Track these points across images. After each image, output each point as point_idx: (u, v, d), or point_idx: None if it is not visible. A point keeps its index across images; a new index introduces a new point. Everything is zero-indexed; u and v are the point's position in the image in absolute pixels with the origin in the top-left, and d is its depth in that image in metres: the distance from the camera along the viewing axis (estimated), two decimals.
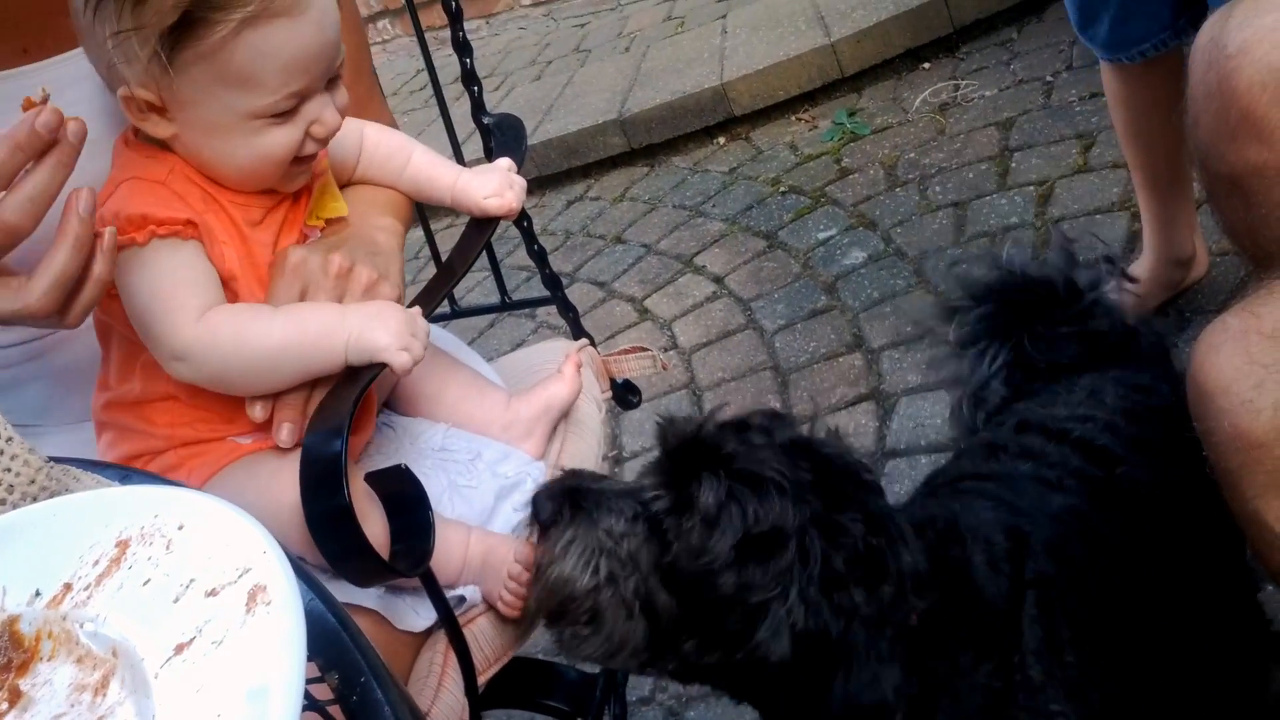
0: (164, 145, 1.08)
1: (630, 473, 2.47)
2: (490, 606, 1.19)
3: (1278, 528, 0.81)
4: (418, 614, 1.13)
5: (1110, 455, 1.18)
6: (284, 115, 1.06)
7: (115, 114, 1.11)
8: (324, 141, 1.12)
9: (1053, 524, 1.09)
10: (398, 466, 1.10)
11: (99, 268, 0.94)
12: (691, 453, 0.97)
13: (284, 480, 1.02)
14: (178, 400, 1.11)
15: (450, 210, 1.41)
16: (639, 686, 1.93)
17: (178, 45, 0.99)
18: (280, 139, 1.07)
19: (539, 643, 2.08)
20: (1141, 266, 2.17)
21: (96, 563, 0.65)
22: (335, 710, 0.56)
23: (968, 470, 1.23)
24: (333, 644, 0.58)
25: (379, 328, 1.05)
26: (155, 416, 1.13)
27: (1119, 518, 1.13)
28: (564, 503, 0.98)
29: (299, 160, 1.11)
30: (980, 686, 0.98)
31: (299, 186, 1.16)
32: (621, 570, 0.95)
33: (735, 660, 0.94)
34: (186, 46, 0.99)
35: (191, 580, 0.60)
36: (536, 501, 1.00)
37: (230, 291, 1.09)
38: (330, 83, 1.10)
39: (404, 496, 1.07)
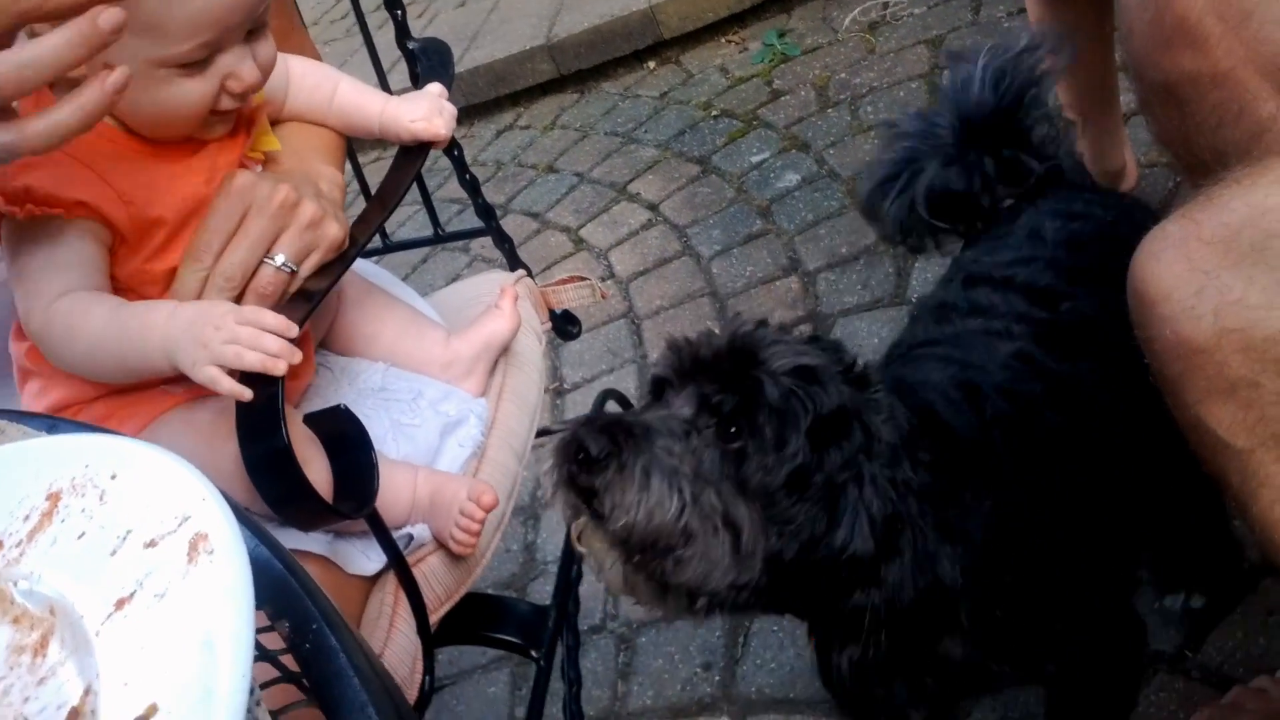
0: None
1: (572, 404, 2.46)
2: (441, 545, 1.18)
3: (1219, 432, 0.83)
4: (367, 557, 1.12)
5: (1054, 293, 1.20)
6: (194, 66, 1.02)
7: None
8: (241, 97, 1.06)
9: (1003, 370, 1.12)
10: (337, 407, 1.08)
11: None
12: (728, 359, 0.95)
13: (223, 428, 0.99)
14: None
15: (378, 143, 1.37)
16: (590, 615, 1.95)
17: None
18: (191, 90, 1.03)
19: (488, 577, 2.09)
20: None
21: (27, 517, 0.62)
22: (287, 659, 0.54)
23: (920, 337, 1.25)
24: (281, 591, 0.56)
25: (189, 341, 0.97)
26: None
27: (1066, 351, 1.15)
28: (613, 434, 0.91)
29: (215, 112, 1.06)
30: (984, 523, 1.00)
31: (219, 135, 1.11)
32: (698, 486, 0.90)
33: (814, 559, 0.93)
34: None
35: (129, 531, 0.57)
36: (581, 438, 0.90)
37: (155, 239, 1.05)
38: (251, 33, 1.05)
39: (345, 437, 1.05)
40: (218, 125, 1.10)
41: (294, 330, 0.99)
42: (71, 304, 1.01)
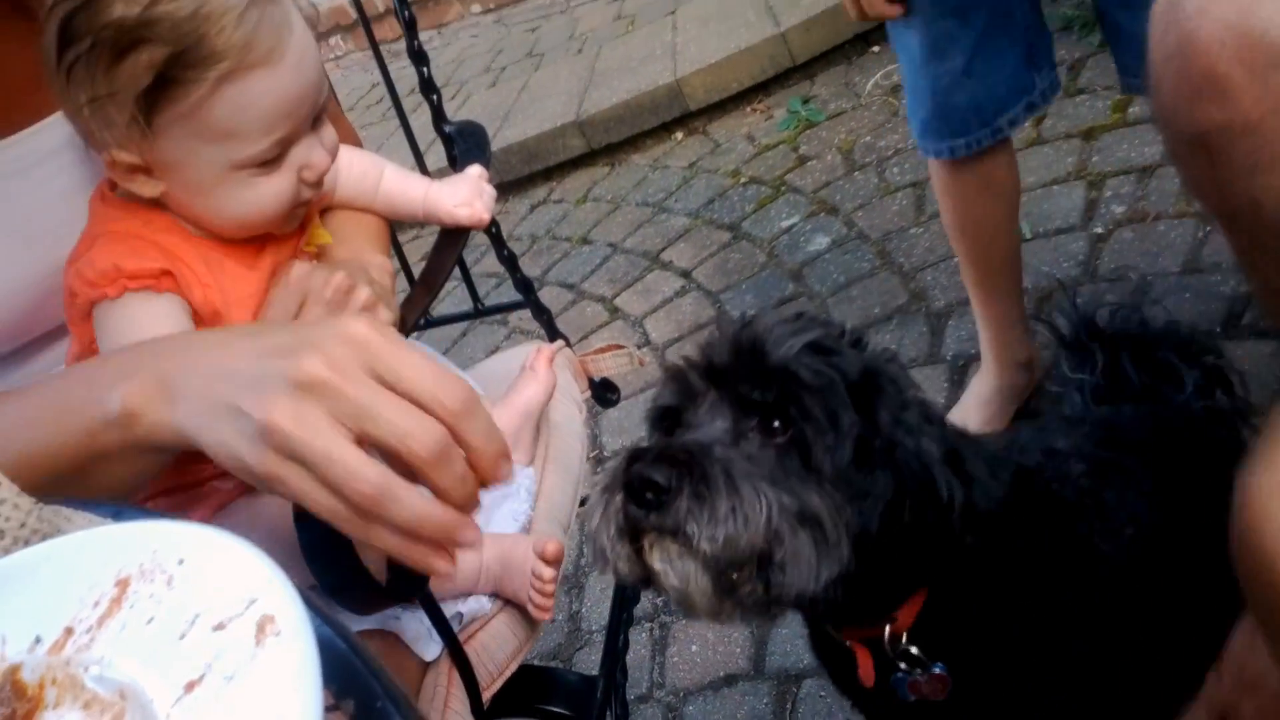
0: (145, 201, 1.06)
1: None
2: (500, 611, 1.19)
3: None
4: (432, 637, 1.12)
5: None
6: (271, 163, 1.04)
7: (95, 180, 1.09)
8: (317, 185, 1.09)
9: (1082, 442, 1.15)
10: None
11: None
12: (742, 360, 0.92)
13: (284, 520, 1.00)
14: None
15: (414, 223, 1.41)
16: (636, 684, 1.94)
17: (155, 107, 0.97)
18: (272, 188, 1.06)
19: (534, 648, 2.08)
20: (985, 384, 2.06)
21: (97, 604, 0.64)
22: None
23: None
24: (345, 670, 0.57)
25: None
26: None
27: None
28: (672, 461, 0.86)
29: (295, 205, 1.09)
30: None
31: (295, 227, 1.15)
32: (772, 489, 0.86)
33: (903, 524, 0.90)
34: (164, 108, 0.97)
35: (197, 615, 0.59)
36: (641, 478, 0.85)
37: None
38: (315, 122, 1.07)
39: None
40: (296, 218, 1.13)
41: None
42: None
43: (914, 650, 1.01)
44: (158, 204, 1.06)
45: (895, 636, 1.02)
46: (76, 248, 1.06)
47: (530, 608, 1.18)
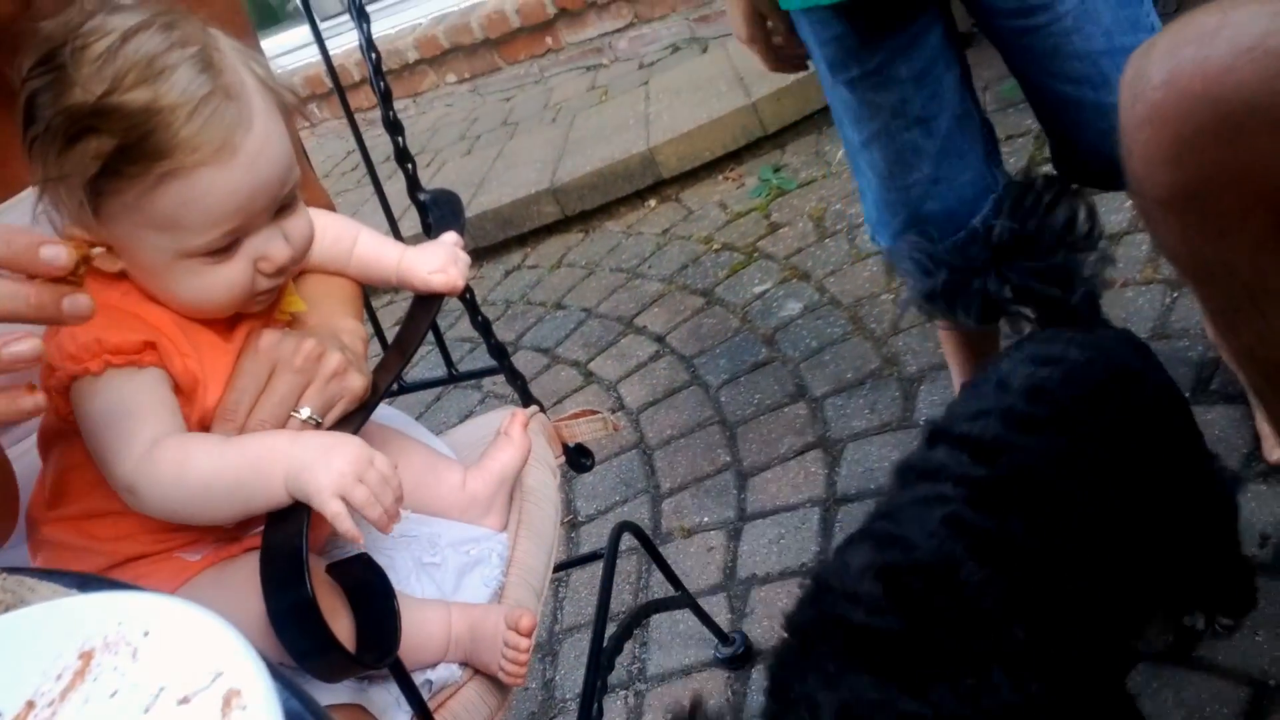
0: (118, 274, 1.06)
1: (587, 536, 2.46)
2: (471, 680, 1.18)
3: None
4: (399, 706, 1.11)
5: (998, 446, 1.21)
6: (221, 253, 1.03)
7: None
8: (276, 275, 1.08)
9: (928, 539, 1.13)
10: (360, 555, 1.09)
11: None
12: None
13: (252, 590, 0.99)
14: (124, 514, 1.07)
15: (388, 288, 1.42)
16: None
17: (100, 194, 0.97)
18: (224, 277, 1.04)
19: (509, 718, 2.05)
20: None
21: (59, 676, 0.63)
22: None
23: (881, 508, 1.26)
24: None
25: (321, 466, 0.99)
26: (98, 530, 1.09)
27: (995, 508, 1.16)
28: None
29: (254, 294, 1.08)
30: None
31: (261, 309, 1.14)
32: None
33: None
34: (109, 196, 0.97)
35: (161, 688, 0.58)
36: None
37: (198, 398, 1.07)
38: (281, 210, 1.06)
39: (368, 586, 1.06)
40: (263, 301, 1.12)
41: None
42: (172, 445, 1.01)
43: None
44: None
45: None
46: None
47: (501, 675, 1.17)
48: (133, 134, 0.94)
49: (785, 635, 1.07)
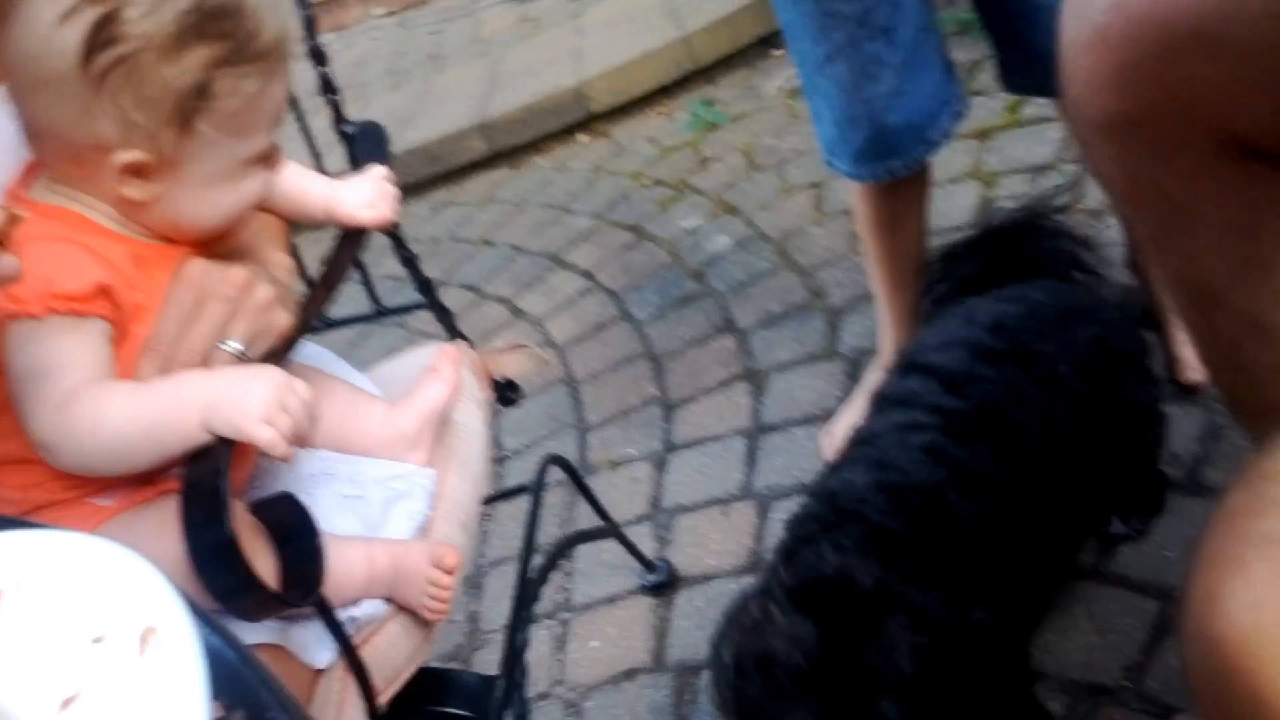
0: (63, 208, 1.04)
1: (513, 471, 2.47)
2: (395, 615, 1.19)
3: None
4: (322, 645, 1.12)
5: (966, 378, 1.33)
6: (260, 160, 1.08)
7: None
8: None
9: (916, 465, 1.25)
10: (283, 494, 1.08)
11: None
12: None
13: (169, 529, 0.98)
14: (34, 462, 1.05)
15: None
16: (537, 682, 1.94)
17: (202, 102, 0.98)
18: (260, 181, 1.09)
19: (434, 652, 2.07)
20: (877, 379, 2.09)
21: None
22: None
23: (861, 434, 1.38)
24: (234, 680, 0.57)
25: (243, 396, 0.99)
26: (9, 478, 1.07)
27: (968, 438, 1.28)
28: None
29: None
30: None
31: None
32: None
33: None
34: (210, 103, 0.98)
35: (75, 628, 0.58)
36: None
37: (132, 331, 1.05)
38: None
39: (290, 525, 1.06)
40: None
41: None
42: (87, 397, 0.99)
43: None
44: (73, 210, 1.04)
45: None
46: None
47: (424, 612, 1.18)
48: (241, 33, 0.97)
49: (801, 523, 1.17)
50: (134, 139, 0.98)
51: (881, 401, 1.41)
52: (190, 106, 0.98)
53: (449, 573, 1.18)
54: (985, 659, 1.20)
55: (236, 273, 1.10)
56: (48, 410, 0.98)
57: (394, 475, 1.30)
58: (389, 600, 1.20)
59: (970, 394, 1.32)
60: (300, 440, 1.02)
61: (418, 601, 1.18)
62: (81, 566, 0.60)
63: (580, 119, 3.72)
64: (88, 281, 0.99)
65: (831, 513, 1.18)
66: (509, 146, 3.78)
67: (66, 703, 0.54)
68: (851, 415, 2.10)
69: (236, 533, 0.93)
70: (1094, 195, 2.37)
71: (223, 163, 1.04)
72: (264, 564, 1.02)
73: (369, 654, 1.15)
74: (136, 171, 1.00)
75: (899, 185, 1.88)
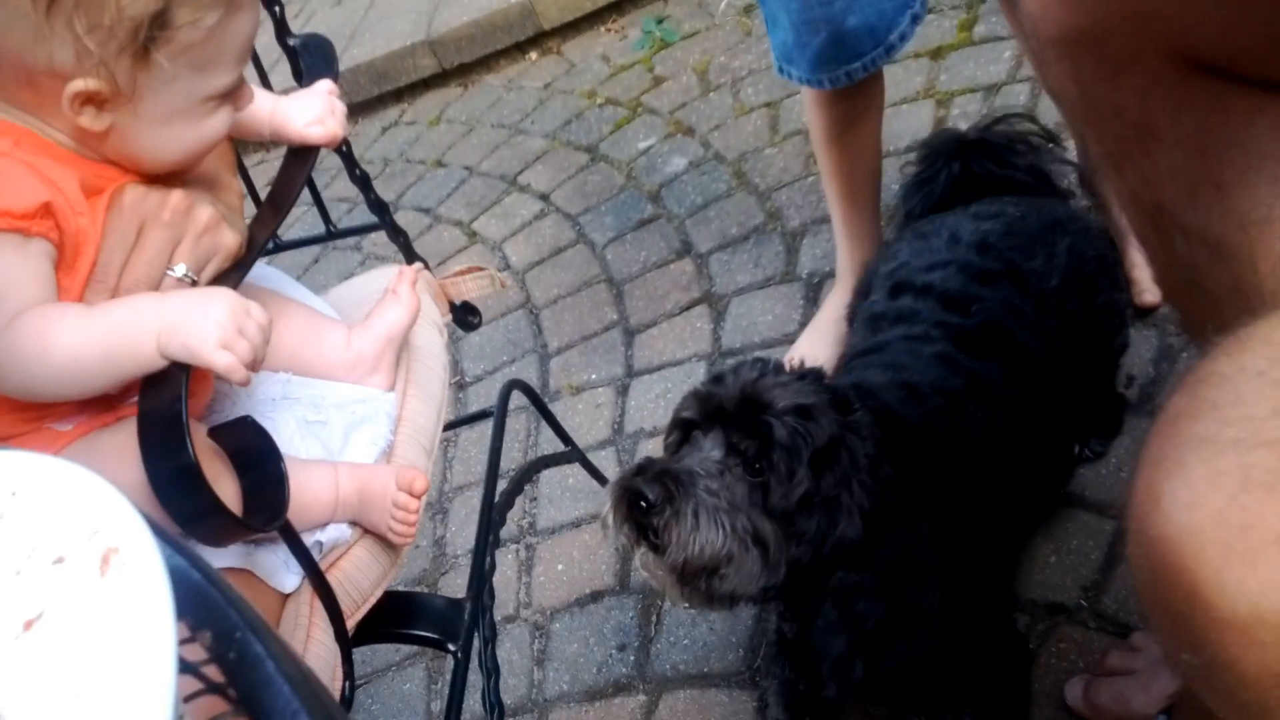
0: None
1: (474, 396, 2.45)
2: (361, 539, 1.18)
3: None
4: (288, 569, 1.10)
5: (965, 298, 1.40)
6: (227, 96, 1.05)
7: None
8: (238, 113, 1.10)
9: (931, 370, 1.33)
10: (243, 419, 1.06)
11: None
12: (742, 406, 1.14)
13: (130, 454, 0.96)
14: None
15: (261, 145, 1.35)
16: (503, 605, 1.95)
17: (161, 31, 0.94)
18: (222, 119, 1.06)
19: (401, 576, 2.07)
20: (840, 301, 2.04)
21: None
22: (211, 670, 0.53)
23: (859, 347, 1.44)
24: (200, 601, 0.55)
25: (199, 320, 0.96)
26: None
27: (978, 351, 1.36)
28: (663, 481, 1.10)
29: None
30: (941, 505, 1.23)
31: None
32: (734, 517, 1.11)
33: (822, 555, 1.15)
34: (169, 33, 0.94)
35: (33, 549, 0.56)
36: (636, 489, 1.10)
37: (78, 263, 1.00)
38: None
39: (253, 450, 1.04)
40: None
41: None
42: (34, 318, 0.95)
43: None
44: (20, 126, 0.99)
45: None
46: None
47: (390, 535, 1.17)
48: None
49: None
50: (88, 67, 0.94)
51: (876, 319, 1.45)
52: (147, 36, 0.93)
53: (416, 497, 1.17)
54: (977, 570, 1.24)
55: (175, 196, 1.05)
56: None
57: (355, 399, 1.28)
58: (354, 524, 1.19)
59: (974, 313, 1.38)
60: (257, 365, 0.99)
61: (384, 525, 1.17)
62: (39, 487, 0.58)
63: (530, 36, 3.64)
64: (33, 200, 0.95)
65: (842, 398, 1.20)
66: (458, 64, 3.69)
67: (29, 624, 0.52)
68: (814, 339, 2.10)
69: (197, 458, 0.91)
70: (1049, 114, 2.37)
71: (183, 98, 1.00)
72: (227, 489, 0.99)
73: (336, 578, 1.14)
74: (90, 100, 0.96)
75: (854, 92, 1.86)
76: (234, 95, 1.06)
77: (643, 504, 1.10)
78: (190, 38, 0.96)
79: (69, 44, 0.92)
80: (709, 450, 1.15)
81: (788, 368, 1.22)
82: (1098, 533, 1.65)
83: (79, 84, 0.94)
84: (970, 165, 1.62)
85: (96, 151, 1.02)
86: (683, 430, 1.21)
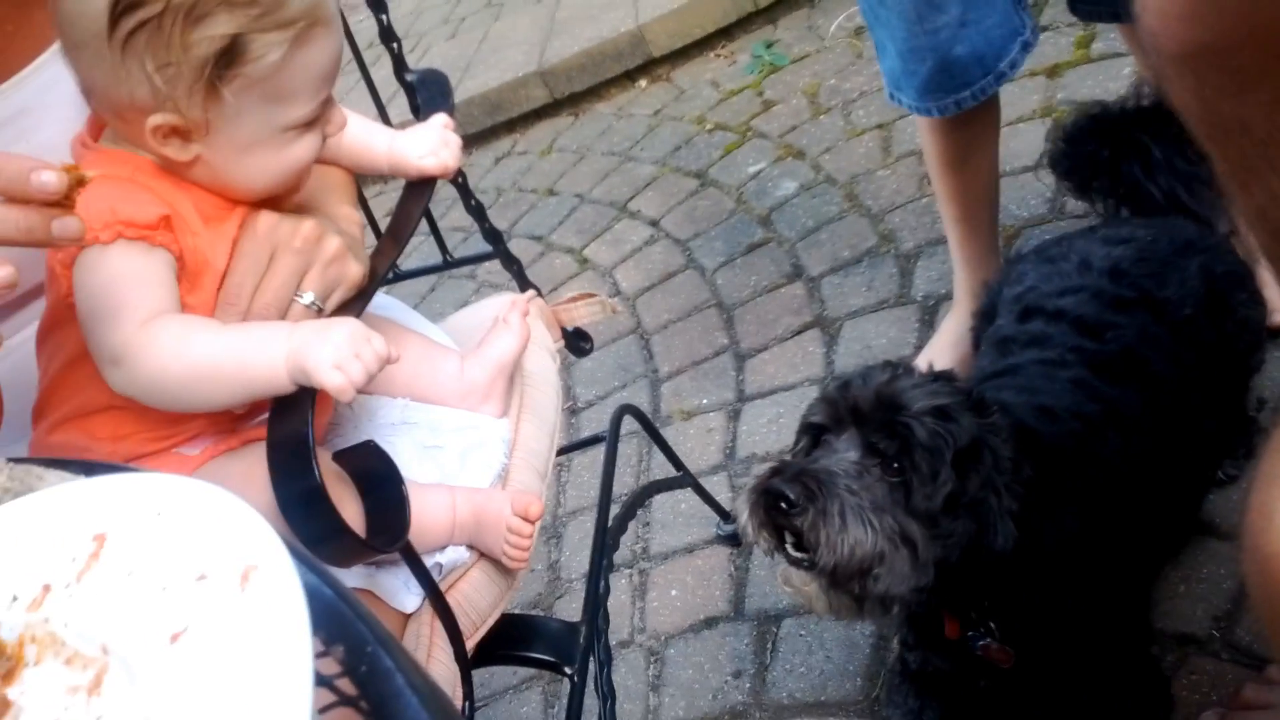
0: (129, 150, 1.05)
1: (587, 422, 2.47)
2: (478, 561, 1.19)
3: None
4: (409, 589, 1.12)
5: (1100, 324, 1.37)
6: (310, 125, 1.06)
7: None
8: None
9: (1066, 394, 1.31)
10: (366, 443, 1.09)
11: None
12: (877, 407, 1.13)
13: (257, 479, 0.99)
14: (121, 409, 1.07)
15: (381, 177, 1.39)
16: (618, 630, 1.95)
17: (228, 68, 0.97)
18: (308, 146, 1.08)
19: (516, 599, 2.09)
20: (958, 323, 2.04)
21: (74, 559, 0.63)
22: (344, 683, 0.55)
23: (988, 370, 1.43)
24: (332, 617, 0.57)
25: (318, 344, 0.99)
26: (97, 429, 1.09)
27: (1115, 377, 1.33)
28: (803, 481, 1.08)
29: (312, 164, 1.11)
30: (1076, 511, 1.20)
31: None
32: (879, 516, 1.08)
33: (971, 560, 1.13)
34: (236, 69, 0.98)
35: (178, 566, 0.58)
36: (775, 489, 1.08)
37: (203, 282, 1.06)
38: None
39: (375, 473, 1.06)
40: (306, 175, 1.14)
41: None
42: (175, 322, 1.01)
43: (992, 624, 1.25)
44: (139, 155, 1.04)
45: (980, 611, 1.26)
46: None
47: (505, 559, 1.18)
48: (267, 1, 0.97)
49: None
50: (163, 103, 0.98)
51: (1006, 342, 1.43)
52: (213, 73, 0.97)
53: (531, 522, 1.18)
54: (1111, 596, 1.23)
55: (307, 225, 1.10)
56: (129, 326, 0.99)
57: (470, 425, 1.31)
58: (471, 547, 1.21)
59: (1110, 339, 1.35)
60: (367, 387, 1.02)
61: (499, 550, 1.18)
62: (181, 507, 0.61)
63: (640, 64, 3.68)
64: (154, 213, 1.00)
65: (978, 400, 1.19)
66: (569, 94, 3.75)
67: (175, 637, 0.55)
68: (933, 360, 2.06)
69: (323, 481, 0.94)
70: None
71: (260, 128, 1.03)
72: (350, 511, 1.02)
73: (454, 599, 1.16)
74: (172, 132, 1.00)
75: (967, 119, 1.83)
76: (321, 121, 1.08)
77: (783, 504, 1.07)
78: (257, 73, 0.99)
79: (144, 81, 0.97)
80: (844, 451, 1.12)
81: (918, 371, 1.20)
82: (1229, 560, 1.57)
83: (157, 118, 0.99)
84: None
85: (192, 180, 1.06)
86: (812, 435, 1.19)
